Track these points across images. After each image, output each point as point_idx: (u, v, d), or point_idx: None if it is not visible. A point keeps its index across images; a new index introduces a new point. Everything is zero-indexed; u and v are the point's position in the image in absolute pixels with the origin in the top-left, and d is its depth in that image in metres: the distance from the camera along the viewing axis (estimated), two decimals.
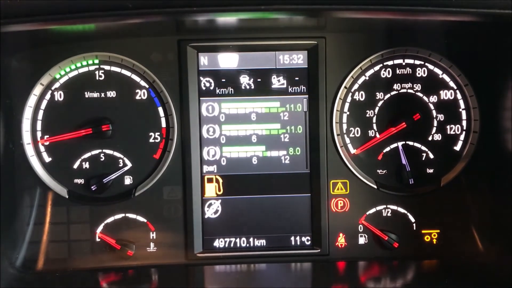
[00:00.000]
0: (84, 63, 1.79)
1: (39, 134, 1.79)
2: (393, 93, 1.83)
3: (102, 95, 1.80)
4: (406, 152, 1.85)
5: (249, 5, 1.37)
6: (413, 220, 1.86)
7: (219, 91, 1.81)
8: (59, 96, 1.79)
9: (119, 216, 1.82)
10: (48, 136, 1.80)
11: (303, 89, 1.82)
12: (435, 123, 1.84)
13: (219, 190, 1.83)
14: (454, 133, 1.85)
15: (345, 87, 1.81)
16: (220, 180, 1.83)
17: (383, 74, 1.83)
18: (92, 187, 1.77)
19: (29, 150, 1.78)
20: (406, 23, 1.72)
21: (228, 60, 1.81)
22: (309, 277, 1.81)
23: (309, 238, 1.85)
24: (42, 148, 1.80)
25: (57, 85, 1.79)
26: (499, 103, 1.77)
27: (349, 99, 1.83)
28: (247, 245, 1.83)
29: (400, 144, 1.84)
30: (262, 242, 1.84)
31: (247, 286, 1.70)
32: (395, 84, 1.83)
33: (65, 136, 1.78)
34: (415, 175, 1.84)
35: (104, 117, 1.78)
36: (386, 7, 1.40)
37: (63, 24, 1.51)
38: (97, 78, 1.79)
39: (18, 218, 1.78)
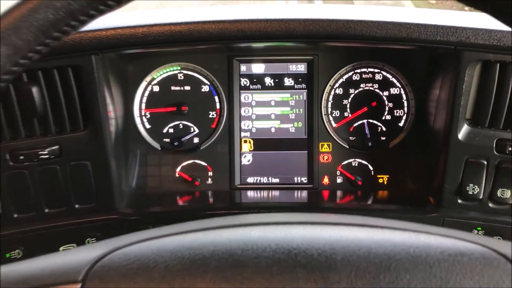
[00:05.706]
0: (171, 68, 2.36)
1: (143, 108, 2.41)
2: (360, 89, 2.37)
3: (182, 88, 2.39)
4: (369, 126, 2.40)
5: (285, 38, 2.01)
6: (371, 168, 2.41)
7: (252, 87, 2.41)
8: (156, 88, 2.41)
9: (190, 161, 2.41)
10: (149, 110, 2.40)
11: (304, 86, 2.40)
12: (387, 109, 2.37)
13: (251, 148, 2.45)
14: (399, 115, 2.37)
15: (330, 85, 2.37)
16: (252, 142, 2.44)
17: (354, 77, 2.37)
18: (175, 143, 2.40)
19: (138, 120, 2.40)
20: (372, 46, 2.19)
21: (258, 68, 2.40)
22: (306, 198, 2.38)
23: (305, 178, 2.44)
24: (145, 119, 2.39)
25: (154, 82, 2.36)
26: (427, 96, 2.23)
27: (332, 92, 2.38)
28: (268, 181, 2.47)
29: (365, 121, 2.43)
30: (277, 180, 2.46)
31: (267, 201, 2.32)
32: (362, 84, 2.35)
33: (161, 109, 2.44)
34: (372, 141, 2.37)
35: (183, 102, 2.42)
36: (368, 41, 1.96)
37: (157, 49, 2.15)
38: (179, 78, 2.37)
39: (131, 163, 2.34)
